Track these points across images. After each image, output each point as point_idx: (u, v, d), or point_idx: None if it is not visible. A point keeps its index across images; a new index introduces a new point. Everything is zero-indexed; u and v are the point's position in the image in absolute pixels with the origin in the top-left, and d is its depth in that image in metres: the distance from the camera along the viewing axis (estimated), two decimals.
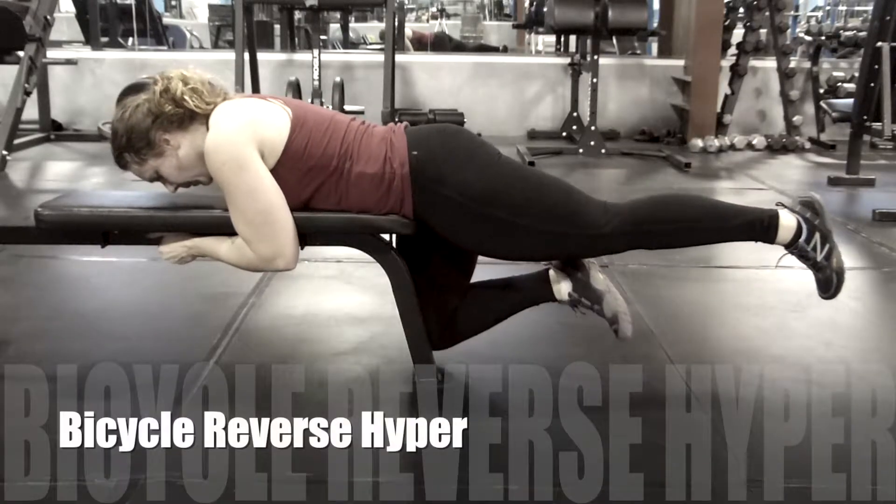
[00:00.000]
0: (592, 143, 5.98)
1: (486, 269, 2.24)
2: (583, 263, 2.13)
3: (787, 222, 1.99)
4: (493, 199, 1.94)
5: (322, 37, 6.93)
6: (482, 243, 2.02)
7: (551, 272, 2.15)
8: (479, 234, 1.98)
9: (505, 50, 11.32)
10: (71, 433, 1.92)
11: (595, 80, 6.03)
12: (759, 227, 1.99)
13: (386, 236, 2.11)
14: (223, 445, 1.89)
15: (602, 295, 2.10)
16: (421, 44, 10.79)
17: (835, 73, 6.90)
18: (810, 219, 1.99)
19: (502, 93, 7.01)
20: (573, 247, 2.03)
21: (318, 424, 1.99)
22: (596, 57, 6.04)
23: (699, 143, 6.33)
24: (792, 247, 1.99)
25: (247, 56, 5.96)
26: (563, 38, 8.77)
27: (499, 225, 1.96)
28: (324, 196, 1.98)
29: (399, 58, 6.73)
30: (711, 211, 2.04)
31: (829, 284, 2.01)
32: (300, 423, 2.00)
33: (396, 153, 1.96)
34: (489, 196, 1.94)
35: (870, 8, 8.66)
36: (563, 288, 2.13)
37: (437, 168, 1.94)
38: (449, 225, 1.99)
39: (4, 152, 5.06)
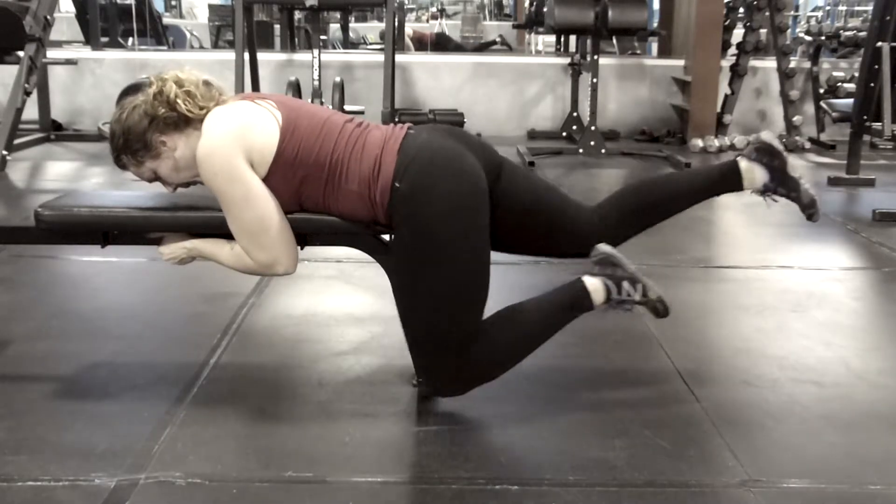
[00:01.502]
0: (592, 143, 5.98)
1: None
2: (779, 151, 2.17)
3: (594, 286, 2.01)
4: (421, 265, 1.90)
5: (322, 37, 6.93)
6: (398, 280, 2.00)
7: (742, 162, 2.17)
8: (404, 267, 1.96)
9: (502, 41, 11.32)
10: (71, 433, 1.93)
11: (595, 80, 6.03)
12: (578, 301, 2.02)
13: (386, 237, 2.11)
14: (223, 445, 1.89)
15: (798, 182, 2.16)
16: (421, 43, 10.80)
17: (835, 73, 6.90)
18: (611, 273, 2.02)
19: (502, 93, 7.01)
20: (423, 351, 1.99)
21: (319, 424, 2.00)
22: (596, 57, 6.04)
23: (699, 143, 6.33)
24: (610, 302, 2.02)
25: (247, 56, 5.96)
26: (563, 38, 8.77)
27: (416, 278, 1.92)
28: (314, 202, 1.97)
29: (399, 58, 6.73)
30: (545, 316, 2.04)
31: (657, 311, 2.07)
32: (300, 424, 2.00)
33: (381, 178, 1.91)
34: (422, 260, 1.89)
35: (870, 8, 8.66)
36: (757, 177, 2.17)
37: (411, 206, 1.89)
38: (397, 247, 1.97)
39: (4, 152, 5.06)
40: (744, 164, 2.18)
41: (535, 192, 2.12)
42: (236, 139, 1.88)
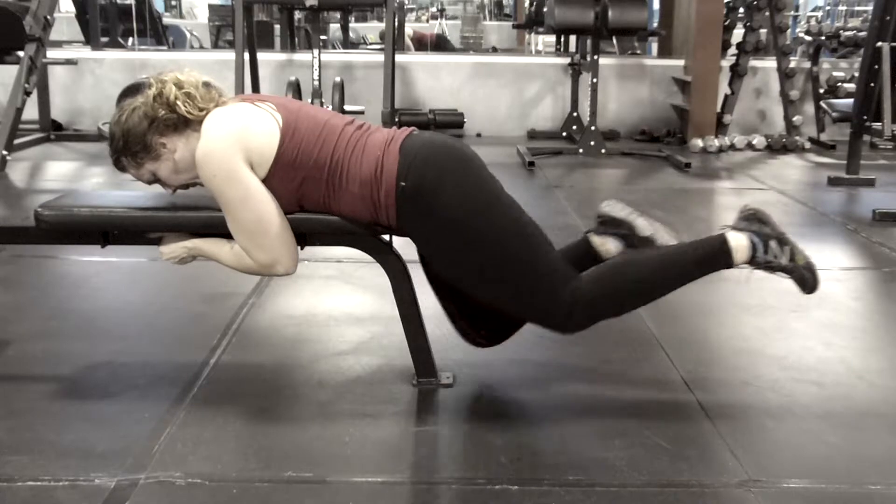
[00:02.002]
0: (592, 143, 5.99)
1: None
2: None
3: (737, 243, 1.96)
4: (464, 255, 1.93)
5: (322, 37, 6.93)
6: (453, 274, 2.01)
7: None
8: (451, 266, 1.99)
9: (494, 51, 11.33)
10: (71, 433, 1.93)
11: (595, 80, 6.03)
12: (714, 258, 1.97)
13: (386, 237, 2.11)
14: (223, 445, 1.89)
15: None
16: (421, 44, 10.81)
17: (835, 73, 6.90)
18: (758, 230, 1.97)
19: (502, 93, 7.01)
20: (529, 317, 2.03)
21: (319, 424, 2.00)
22: (596, 57, 6.04)
23: (699, 143, 6.33)
24: (754, 262, 1.97)
25: (247, 56, 5.96)
26: (563, 38, 8.77)
27: (470, 269, 1.96)
28: (314, 204, 1.97)
29: (399, 58, 6.73)
30: (666, 264, 2.01)
31: (804, 282, 1.99)
32: (300, 424, 2.00)
33: (384, 179, 1.91)
34: (461, 251, 1.93)
35: (870, 8, 8.66)
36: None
37: (421, 203, 1.91)
38: (427, 250, 2.00)
39: (4, 152, 5.07)
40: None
41: None
42: (236, 141, 1.88)
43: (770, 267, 1.97)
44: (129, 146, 1.96)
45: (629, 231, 2.11)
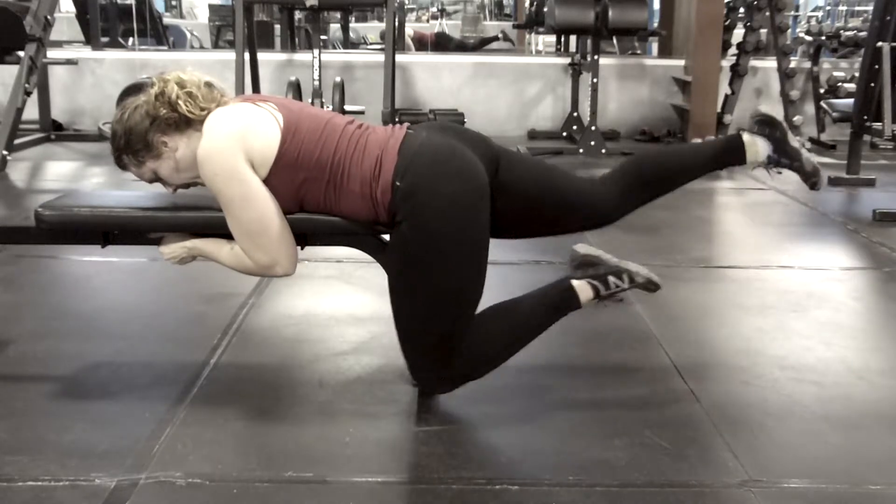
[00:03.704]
0: (593, 143, 5.98)
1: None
2: (779, 122, 2.18)
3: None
4: (427, 268, 1.90)
5: (322, 37, 6.93)
6: (393, 282, 2.00)
7: (745, 135, 2.18)
8: (398, 271, 1.97)
9: (504, 36, 11.32)
10: (71, 433, 1.93)
11: (595, 80, 6.03)
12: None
13: (386, 237, 2.11)
14: (223, 445, 1.89)
15: (800, 152, 2.17)
16: (422, 43, 10.81)
17: (835, 73, 6.90)
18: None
19: (502, 93, 7.01)
20: (411, 348, 2.00)
21: (319, 424, 2.00)
22: (596, 57, 6.04)
23: (699, 142, 6.32)
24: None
25: (247, 56, 5.96)
26: (563, 38, 8.77)
27: (411, 285, 1.94)
28: (315, 204, 1.97)
29: (399, 58, 6.73)
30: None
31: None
32: (300, 424, 2.00)
33: (382, 177, 1.91)
34: (431, 261, 1.90)
35: (870, 8, 8.66)
36: (760, 150, 2.17)
37: (412, 206, 1.89)
38: (391, 246, 1.98)
39: (5, 152, 5.07)
40: (746, 137, 2.19)
41: (536, 178, 2.11)
42: (237, 140, 1.89)
43: (615, 296, 2.09)
44: (130, 144, 1.96)
45: (782, 136, 2.18)
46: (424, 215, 1.89)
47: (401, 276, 1.96)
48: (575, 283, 2.06)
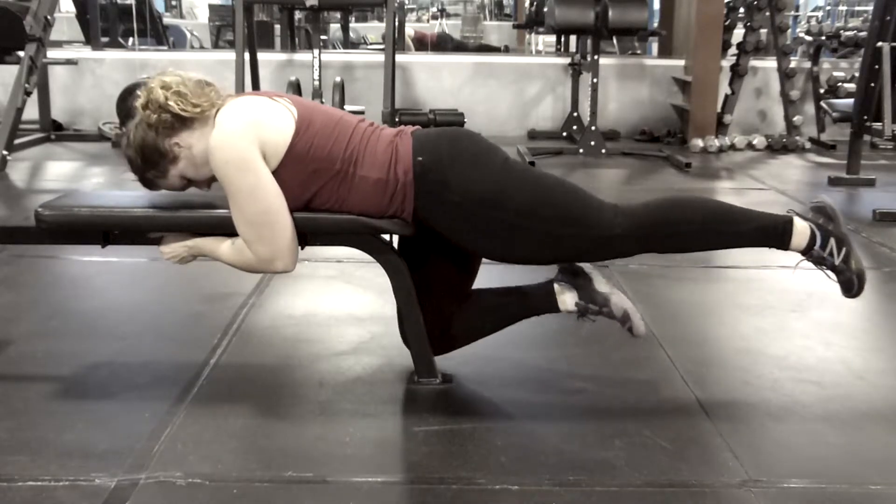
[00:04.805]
0: (593, 143, 5.98)
1: (494, 274, 2.24)
2: (582, 270, 2.13)
3: (801, 229, 2.00)
4: (499, 203, 1.93)
5: (322, 37, 6.93)
6: (486, 246, 2.01)
7: (556, 285, 2.14)
8: (482, 236, 1.98)
9: (507, 50, 11.32)
10: (71, 433, 1.93)
11: (595, 80, 6.03)
12: (773, 233, 2.01)
13: (386, 237, 2.11)
14: (223, 445, 1.89)
15: (608, 297, 2.10)
16: (422, 43, 10.81)
17: (835, 73, 6.90)
18: (823, 224, 2.01)
19: (502, 93, 7.01)
20: (582, 250, 2.01)
21: (319, 424, 2.00)
22: (596, 57, 6.04)
23: (699, 143, 6.33)
24: (808, 254, 2.02)
25: (247, 56, 5.96)
26: (563, 38, 8.77)
27: (504, 228, 1.95)
28: (324, 198, 1.98)
29: (399, 58, 6.73)
30: (725, 215, 2.04)
31: (850, 285, 2.04)
32: (300, 424, 2.00)
33: (401, 159, 1.95)
34: (495, 199, 1.93)
35: (870, 8, 8.66)
36: (567, 299, 2.13)
37: (441, 172, 1.94)
38: (451, 227, 1.98)
39: (5, 152, 5.06)
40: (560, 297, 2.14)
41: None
42: (251, 129, 1.90)
43: (822, 262, 2.01)
44: (147, 159, 1.98)
45: (586, 284, 2.12)
46: (463, 174, 1.94)
47: (490, 231, 1.96)
48: (797, 220, 2.00)
